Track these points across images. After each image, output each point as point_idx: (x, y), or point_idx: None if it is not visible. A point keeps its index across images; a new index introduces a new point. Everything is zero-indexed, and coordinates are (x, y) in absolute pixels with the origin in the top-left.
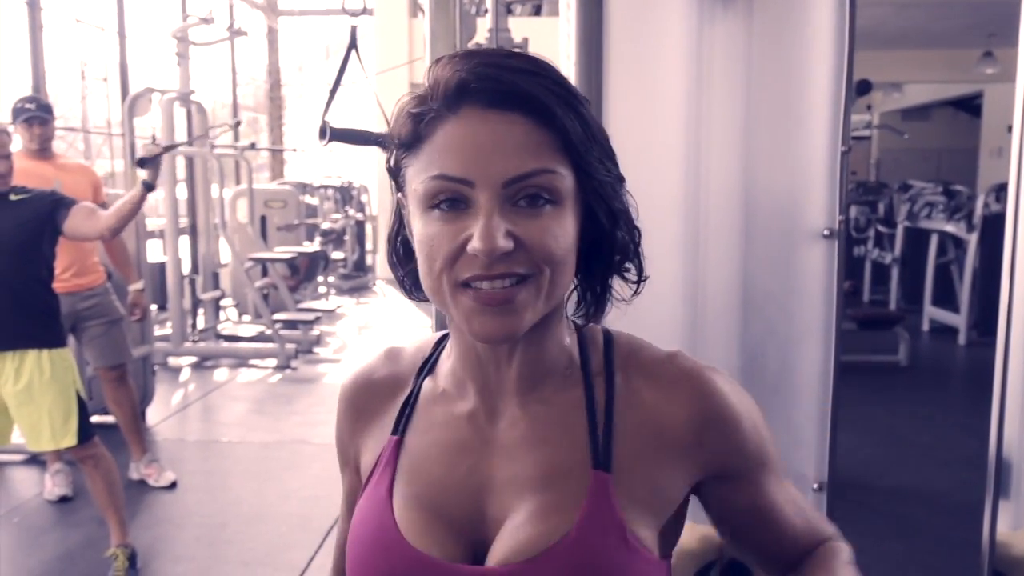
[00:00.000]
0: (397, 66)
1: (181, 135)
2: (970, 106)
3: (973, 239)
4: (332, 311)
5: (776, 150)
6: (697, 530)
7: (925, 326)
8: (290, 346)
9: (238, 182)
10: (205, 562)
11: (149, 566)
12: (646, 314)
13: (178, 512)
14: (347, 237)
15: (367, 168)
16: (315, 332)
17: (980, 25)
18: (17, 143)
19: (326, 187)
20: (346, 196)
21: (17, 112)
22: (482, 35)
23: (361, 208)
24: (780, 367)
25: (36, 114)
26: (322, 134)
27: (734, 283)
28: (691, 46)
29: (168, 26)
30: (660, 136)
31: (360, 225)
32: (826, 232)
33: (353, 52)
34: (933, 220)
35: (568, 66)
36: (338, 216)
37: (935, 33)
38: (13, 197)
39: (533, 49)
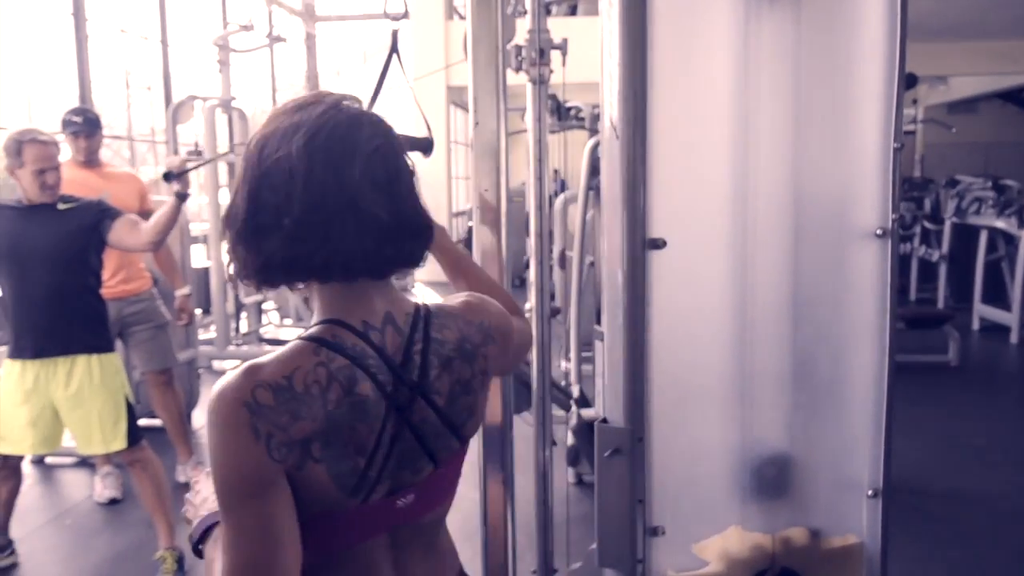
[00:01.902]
0: (434, 71)
1: (223, 141)
2: (1019, 98)
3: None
4: None
5: (826, 147)
6: (748, 538)
7: (975, 325)
8: None
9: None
10: None
11: (196, 569)
12: (693, 318)
13: None
14: None
15: None
16: None
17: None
18: (66, 152)
19: None
20: None
21: (65, 124)
22: (521, 36)
23: None
24: (832, 371)
25: (82, 127)
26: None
27: (783, 285)
28: (737, 42)
29: (209, 34)
30: (706, 135)
31: None
32: (879, 231)
33: (394, 56)
34: (982, 216)
35: (611, 65)
36: None
37: (982, 24)
38: (61, 207)
39: (573, 49)
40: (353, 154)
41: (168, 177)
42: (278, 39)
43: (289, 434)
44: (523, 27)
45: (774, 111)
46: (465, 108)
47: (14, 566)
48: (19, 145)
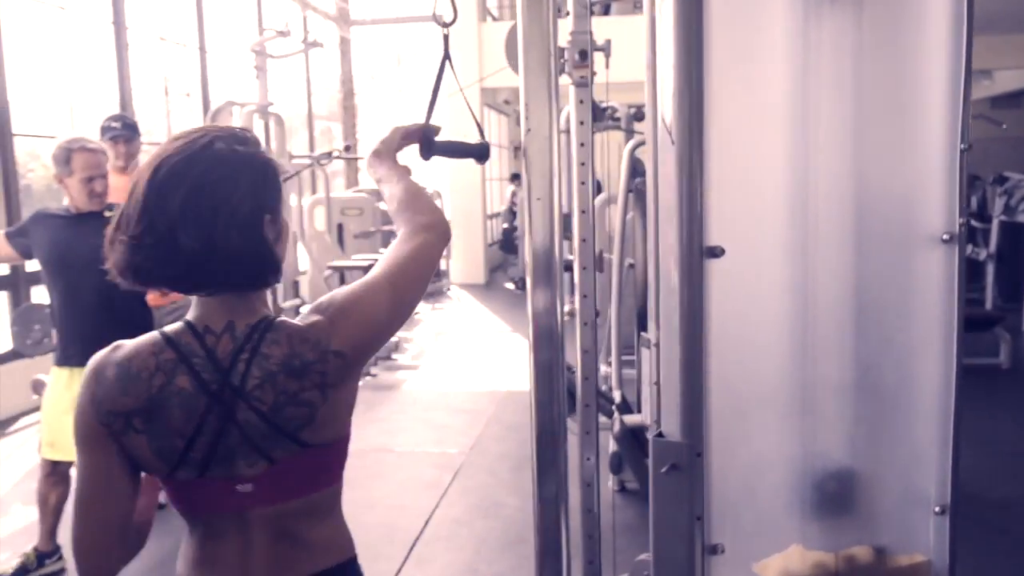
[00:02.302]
0: (487, 75)
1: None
2: None
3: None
4: (414, 315)
5: (889, 150)
6: (810, 556)
7: None
8: None
9: (314, 191)
10: None
11: None
12: (751, 327)
13: None
14: None
15: (439, 173)
16: (394, 338)
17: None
18: None
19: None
20: None
21: (104, 130)
22: (564, 38)
23: None
24: (897, 381)
25: (121, 132)
26: (427, 149)
27: (846, 293)
28: (796, 42)
29: (246, 40)
30: (764, 138)
31: None
32: (946, 236)
33: (447, 62)
34: None
35: (665, 67)
36: None
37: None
38: (108, 214)
39: (617, 50)
40: (178, 188)
41: None
42: (314, 44)
43: (115, 405)
44: (563, 28)
45: (834, 112)
46: (499, 110)
47: (62, 571)
48: (68, 153)
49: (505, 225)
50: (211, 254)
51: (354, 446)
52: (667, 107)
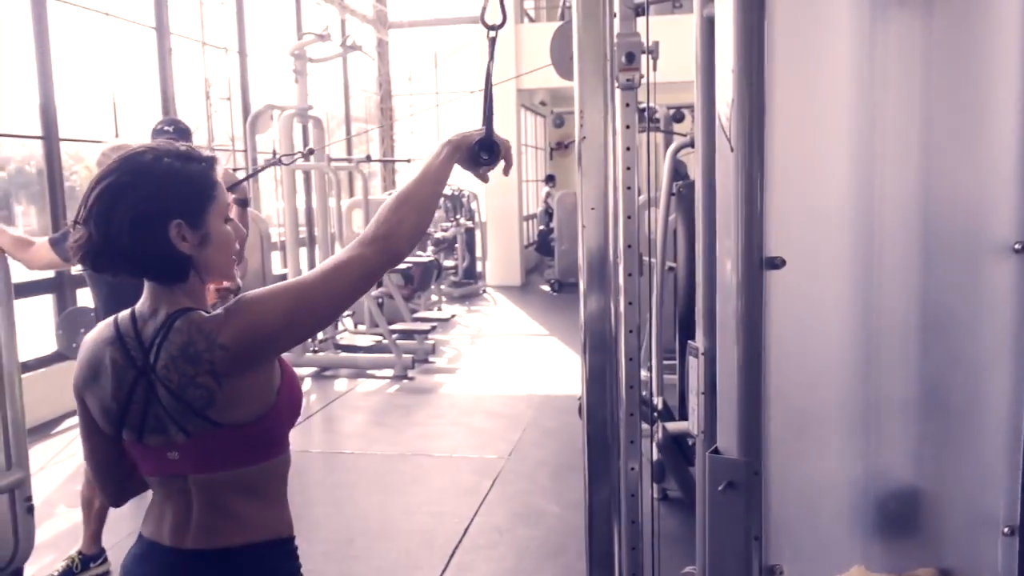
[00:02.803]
0: (506, 80)
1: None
2: None
3: None
4: (447, 320)
5: (958, 156)
6: None
7: None
8: (407, 356)
9: (351, 193)
10: None
11: None
12: (812, 342)
13: (306, 526)
14: (457, 245)
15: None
16: (430, 342)
17: None
18: None
19: None
20: (456, 204)
21: (155, 133)
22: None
23: (471, 215)
24: (964, 398)
25: (173, 137)
26: (490, 152)
27: (912, 305)
28: (862, 44)
29: (285, 45)
30: (828, 145)
31: (470, 232)
32: (1018, 245)
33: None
34: None
35: (724, 71)
36: (448, 224)
37: None
38: None
39: (665, 52)
40: (97, 185)
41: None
42: (353, 47)
43: (79, 371)
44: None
45: (900, 118)
46: (535, 111)
47: (106, 574)
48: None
49: (541, 227)
50: (106, 245)
51: (392, 450)
52: (724, 112)
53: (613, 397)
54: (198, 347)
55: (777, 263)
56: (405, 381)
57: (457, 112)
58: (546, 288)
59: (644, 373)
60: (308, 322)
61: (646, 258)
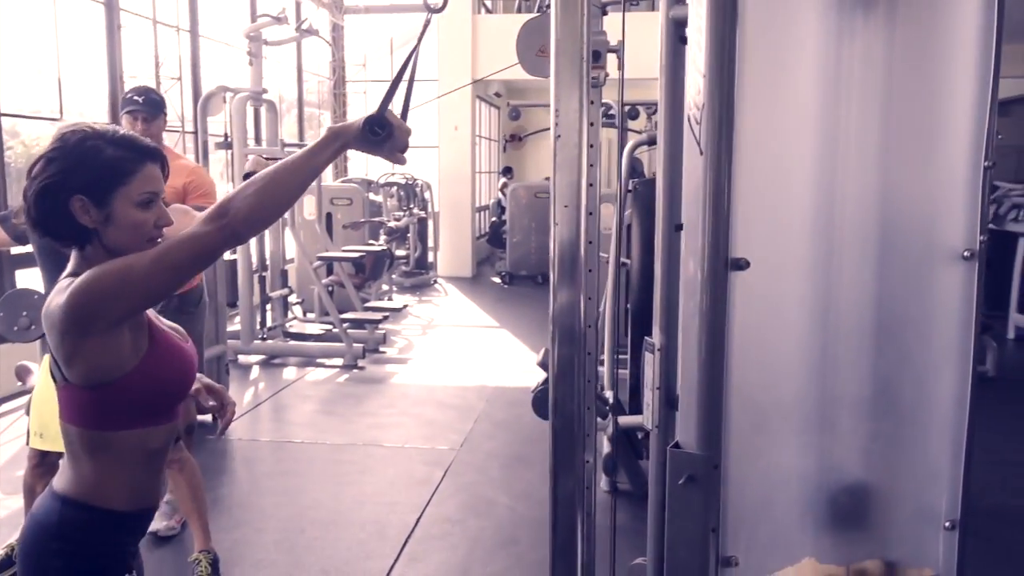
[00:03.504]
0: (496, 73)
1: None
2: None
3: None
4: (399, 310)
5: (915, 165)
6: (822, 570)
7: (1010, 333)
8: (357, 345)
9: None
10: (286, 568)
11: (231, 572)
12: (772, 341)
13: (256, 515)
14: (410, 234)
15: (430, 164)
16: (381, 331)
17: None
18: None
19: (390, 185)
20: (410, 193)
21: (124, 103)
22: None
23: (424, 205)
24: (914, 398)
25: (141, 108)
26: (381, 127)
27: (867, 307)
28: (829, 57)
29: (238, 26)
30: (793, 152)
31: (422, 222)
32: (966, 253)
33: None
34: (1021, 223)
35: (695, 75)
36: (402, 214)
37: (1014, 25)
38: None
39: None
40: (37, 158)
41: (247, 177)
42: (310, 31)
43: None
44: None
45: (862, 128)
46: (490, 102)
47: None
48: None
49: (494, 219)
50: (28, 209)
51: (342, 439)
52: (694, 114)
53: (581, 391)
54: (51, 303)
55: (742, 264)
56: (355, 370)
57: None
58: (497, 280)
59: (598, 368)
60: (135, 296)
61: (602, 254)
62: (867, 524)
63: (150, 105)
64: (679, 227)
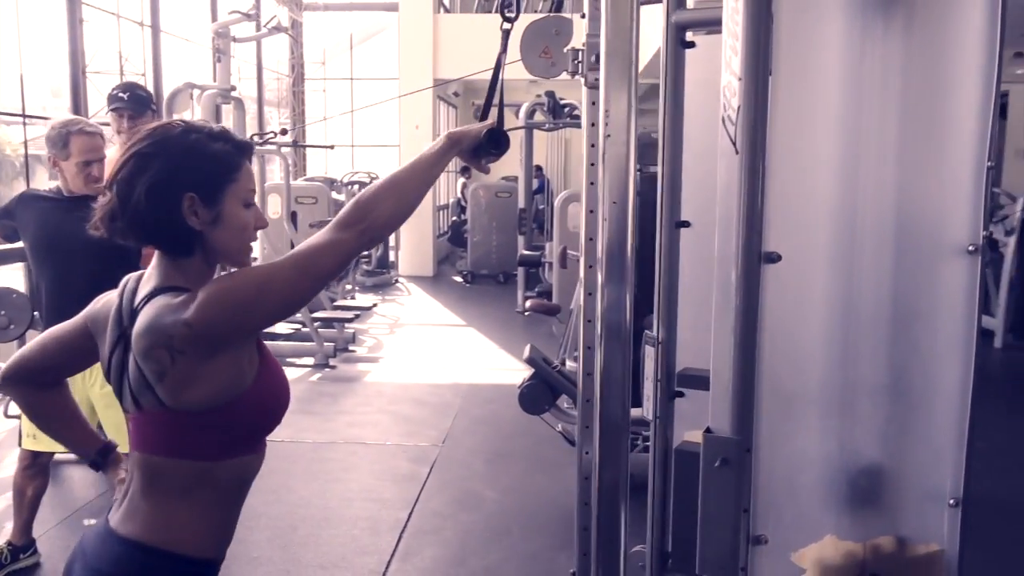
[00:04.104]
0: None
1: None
2: None
3: (1011, 242)
4: (369, 309)
5: (927, 166)
6: (842, 546)
7: None
8: (328, 344)
9: (264, 179)
10: (282, 565)
11: (228, 568)
12: (799, 330)
13: (247, 513)
14: None
15: (391, 163)
16: (350, 330)
17: (1012, 25)
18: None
19: (353, 183)
20: None
21: (110, 99)
22: (579, 40)
23: None
24: (924, 383)
25: (126, 105)
26: (498, 145)
27: (883, 299)
28: (852, 63)
29: (200, 21)
30: (819, 151)
31: None
32: (971, 248)
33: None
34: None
35: (731, 80)
36: None
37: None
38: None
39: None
40: (122, 157)
41: None
42: (278, 28)
43: (98, 309)
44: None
45: (880, 131)
46: (448, 102)
47: (36, 566)
48: (66, 136)
49: (454, 218)
50: (124, 210)
51: (323, 438)
52: (731, 116)
53: (626, 385)
54: (162, 321)
55: (774, 257)
56: (327, 369)
57: (371, 97)
58: (458, 279)
59: (571, 363)
60: (275, 307)
61: (572, 252)
62: (881, 502)
63: (135, 101)
64: (680, 224)
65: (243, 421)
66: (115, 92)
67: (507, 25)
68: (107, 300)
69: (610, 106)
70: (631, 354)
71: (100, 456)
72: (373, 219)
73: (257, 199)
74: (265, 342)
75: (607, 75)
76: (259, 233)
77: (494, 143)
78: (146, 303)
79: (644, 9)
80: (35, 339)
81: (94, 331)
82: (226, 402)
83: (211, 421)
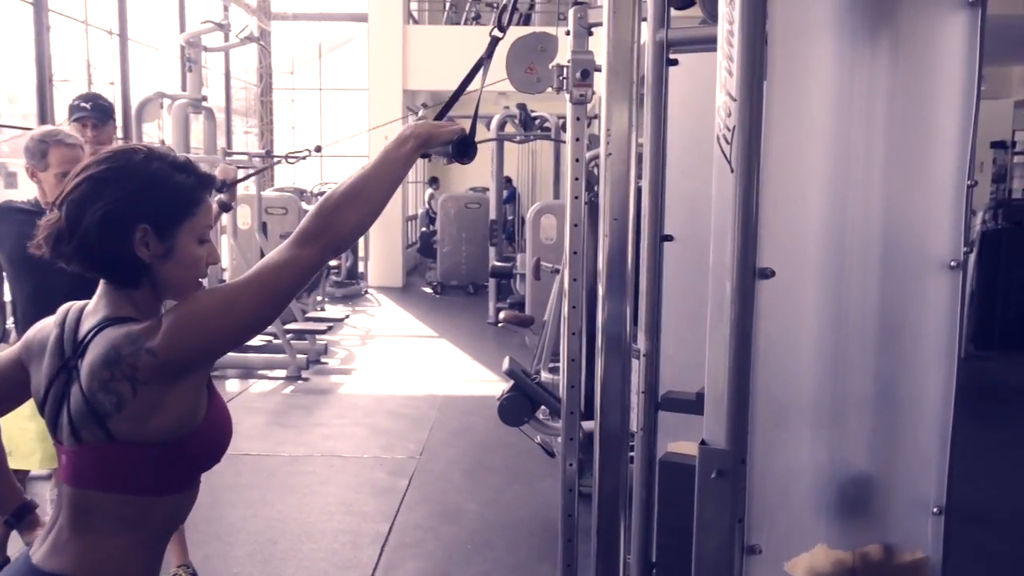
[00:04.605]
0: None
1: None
2: None
3: (972, 255)
4: (341, 320)
5: (911, 186)
6: (832, 555)
7: None
8: (301, 356)
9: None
10: None
11: None
12: (791, 342)
13: (225, 528)
14: None
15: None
16: (322, 342)
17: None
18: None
19: (322, 194)
20: None
21: (72, 110)
22: (564, 57)
23: None
24: (910, 394)
25: (90, 115)
26: (465, 155)
27: (871, 312)
28: (842, 87)
29: (168, 30)
30: (809, 169)
31: None
32: (953, 263)
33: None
34: None
35: (726, 101)
36: None
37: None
38: None
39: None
40: (75, 177)
41: (220, 187)
42: (251, 38)
43: (34, 335)
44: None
45: (867, 150)
46: (416, 112)
47: None
48: (45, 147)
49: (423, 229)
50: (72, 233)
51: (299, 451)
52: (725, 135)
53: (625, 397)
54: (121, 352)
55: (767, 273)
56: (300, 381)
57: (339, 107)
58: (428, 290)
59: (546, 374)
60: (241, 329)
61: (545, 264)
62: (870, 511)
63: (99, 111)
64: (665, 238)
65: (191, 454)
66: (77, 102)
67: (498, 33)
68: (42, 328)
69: (611, 124)
70: (628, 366)
71: (15, 517)
72: (336, 231)
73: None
74: (236, 354)
75: (609, 93)
76: (231, 241)
77: (461, 152)
78: (96, 334)
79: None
80: None
81: (27, 361)
82: (181, 435)
83: (159, 454)
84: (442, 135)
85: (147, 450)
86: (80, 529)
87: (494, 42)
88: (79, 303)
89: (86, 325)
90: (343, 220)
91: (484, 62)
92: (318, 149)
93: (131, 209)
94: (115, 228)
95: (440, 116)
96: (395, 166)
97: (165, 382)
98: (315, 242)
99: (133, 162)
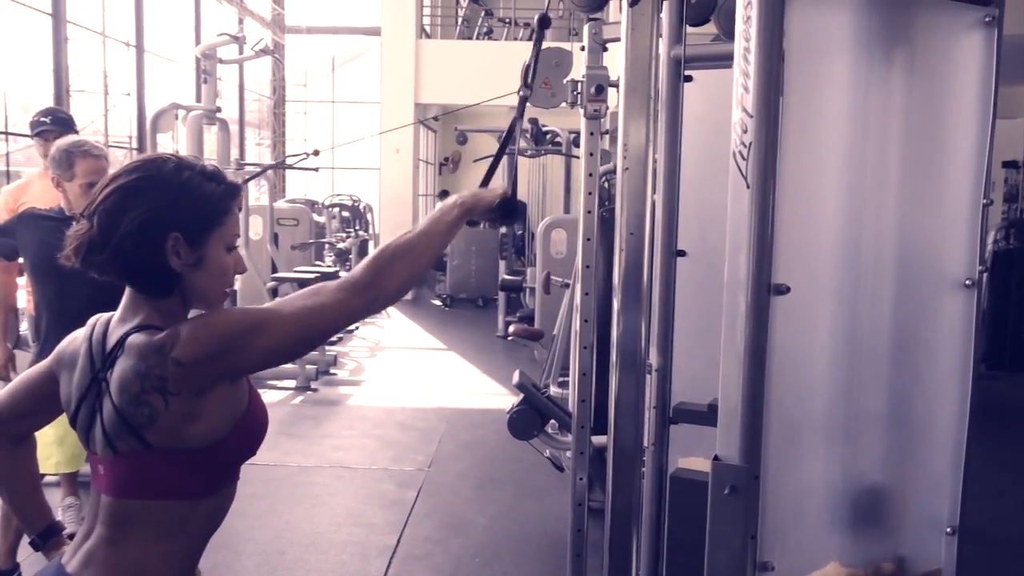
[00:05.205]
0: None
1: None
2: None
3: (984, 275)
4: (352, 331)
5: (927, 203)
6: (844, 572)
7: None
8: (310, 367)
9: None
10: None
11: None
12: (806, 360)
13: (233, 538)
14: (352, 255)
15: (371, 187)
16: (331, 353)
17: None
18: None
19: (334, 206)
20: (355, 214)
21: (33, 126)
22: (578, 72)
23: (366, 227)
24: (924, 413)
25: (51, 128)
26: (509, 217)
27: (885, 330)
28: (857, 105)
29: (184, 42)
30: (825, 188)
31: (364, 244)
32: (968, 281)
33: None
34: None
35: (743, 117)
36: (344, 234)
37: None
38: None
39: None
40: (105, 186)
41: None
42: (266, 51)
43: (63, 348)
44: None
45: (882, 169)
46: (428, 126)
47: None
48: (71, 157)
49: None
50: (105, 243)
51: (307, 461)
52: (742, 151)
53: (640, 413)
54: (149, 363)
55: (783, 289)
56: (309, 392)
57: (352, 120)
58: (437, 302)
59: (555, 388)
60: (265, 353)
61: (555, 278)
62: (883, 529)
63: (59, 124)
64: (678, 253)
65: (232, 449)
66: (37, 118)
67: (525, 91)
68: (73, 340)
69: (628, 139)
70: (643, 381)
71: (41, 538)
72: (384, 287)
73: (245, 222)
74: None
75: (626, 109)
76: (241, 252)
77: (505, 214)
78: (121, 346)
79: None
80: (6, 386)
81: (58, 372)
82: (222, 436)
83: (200, 459)
84: (485, 200)
85: (187, 455)
86: (117, 538)
87: (523, 102)
88: (106, 315)
89: (114, 336)
90: (394, 274)
91: (516, 121)
92: (316, 153)
93: (165, 218)
94: (150, 238)
95: (484, 183)
96: (441, 232)
97: (193, 392)
98: (364, 293)
99: (164, 171)
